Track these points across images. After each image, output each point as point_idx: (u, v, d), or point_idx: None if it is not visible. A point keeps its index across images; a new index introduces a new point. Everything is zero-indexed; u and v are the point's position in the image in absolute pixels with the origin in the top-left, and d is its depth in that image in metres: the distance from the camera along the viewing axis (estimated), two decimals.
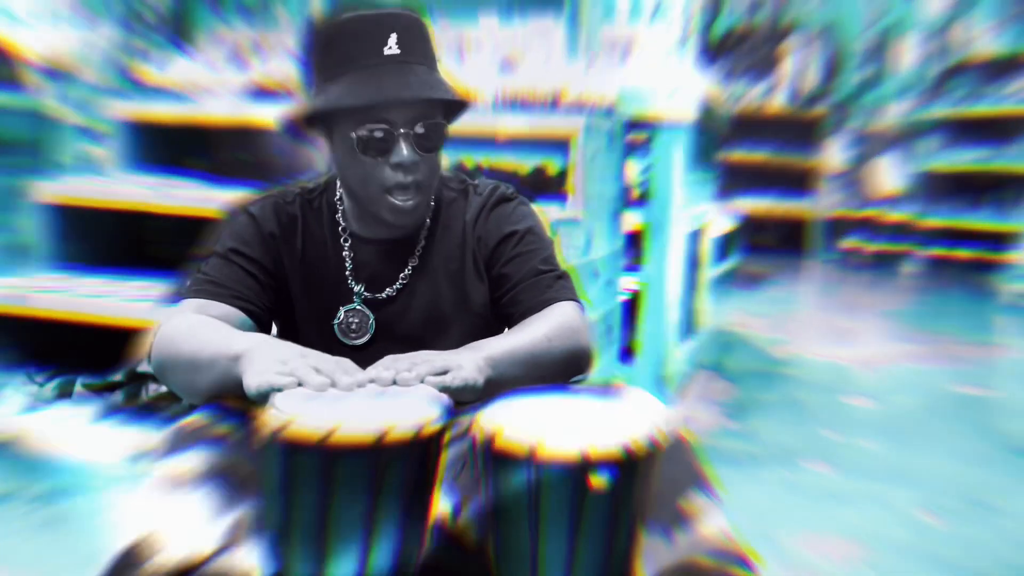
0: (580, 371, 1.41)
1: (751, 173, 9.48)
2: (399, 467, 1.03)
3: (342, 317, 1.45)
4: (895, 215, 8.36)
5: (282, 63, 2.71)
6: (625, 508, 1.07)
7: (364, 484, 1.02)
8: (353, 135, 1.32)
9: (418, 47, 1.34)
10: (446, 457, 1.36)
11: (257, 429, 1.07)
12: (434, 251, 1.48)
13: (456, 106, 1.41)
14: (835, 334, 4.93)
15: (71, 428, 2.40)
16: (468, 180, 1.54)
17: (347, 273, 1.46)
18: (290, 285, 1.46)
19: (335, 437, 0.99)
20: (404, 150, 1.32)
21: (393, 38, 1.31)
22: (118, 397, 2.44)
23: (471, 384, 1.19)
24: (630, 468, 1.05)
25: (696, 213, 3.40)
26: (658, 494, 1.20)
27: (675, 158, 2.86)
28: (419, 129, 1.33)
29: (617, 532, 1.07)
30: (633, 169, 4.06)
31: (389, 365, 1.18)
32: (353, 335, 1.46)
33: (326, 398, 1.09)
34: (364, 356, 1.26)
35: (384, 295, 1.46)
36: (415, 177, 1.34)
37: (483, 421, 1.09)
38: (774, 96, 9.19)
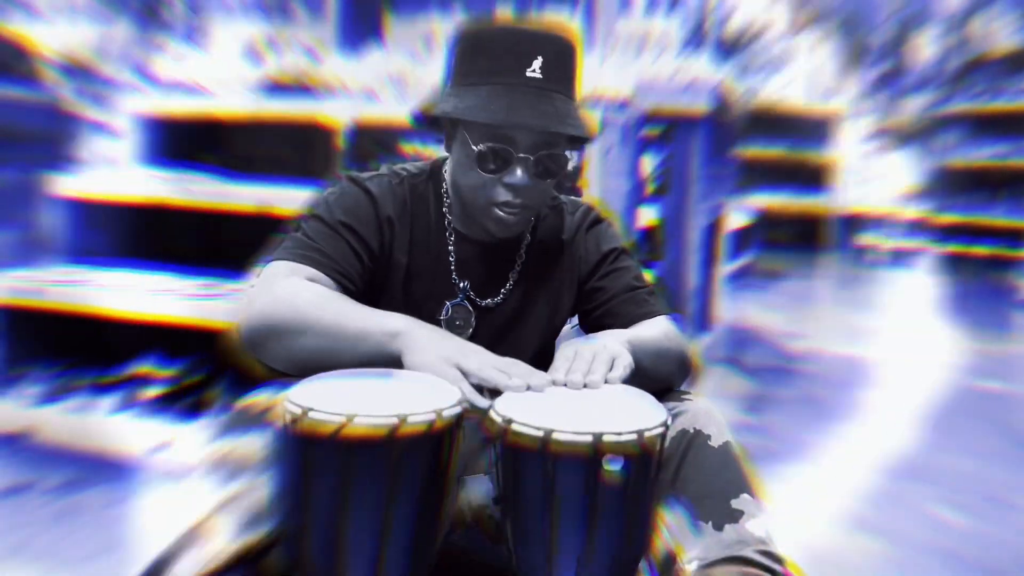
0: (686, 376, 1.49)
1: (767, 169, 9.45)
2: (416, 454, 1.05)
3: (448, 312, 1.47)
4: (912, 211, 8.32)
5: (297, 58, 2.72)
6: (638, 497, 1.09)
7: (380, 472, 1.03)
8: (475, 148, 1.33)
9: (561, 74, 1.35)
10: (477, 448, 1.39)
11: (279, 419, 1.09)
12: (533, 263, 1.52)
13: (581, 137, 1.42)
14: (852, 330, 4.94)
15: (88, 420, 2.41)
16: (559, 197, 1.58)
17: (452, 268, 1.48)
18: (393, 270, 1.46)
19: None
20: (519, 173, 1.33)
21: (539, 61, 1.31)
22: (116, 397, 2.46)
23: (632, 368, 1.25)
24: (642, 458, 1.07)
25: (711, 208, 3.40)
26: (712, 491, 1.29)
27: (690, 153, 2.86)
28: (539, 156, 1.34)
29: (630, 520, 1.10)
30: (648, 164, 4.05)
31: (577, 368, 1.21)
32: (458, 330, 1.47)
33: (337, 390, 1.11)
34: None
35: (487, 302, 1.49)
36: (523, 200, 1.36)
37: (499, 405, 1.12)
38: (790, 91, 9.15)
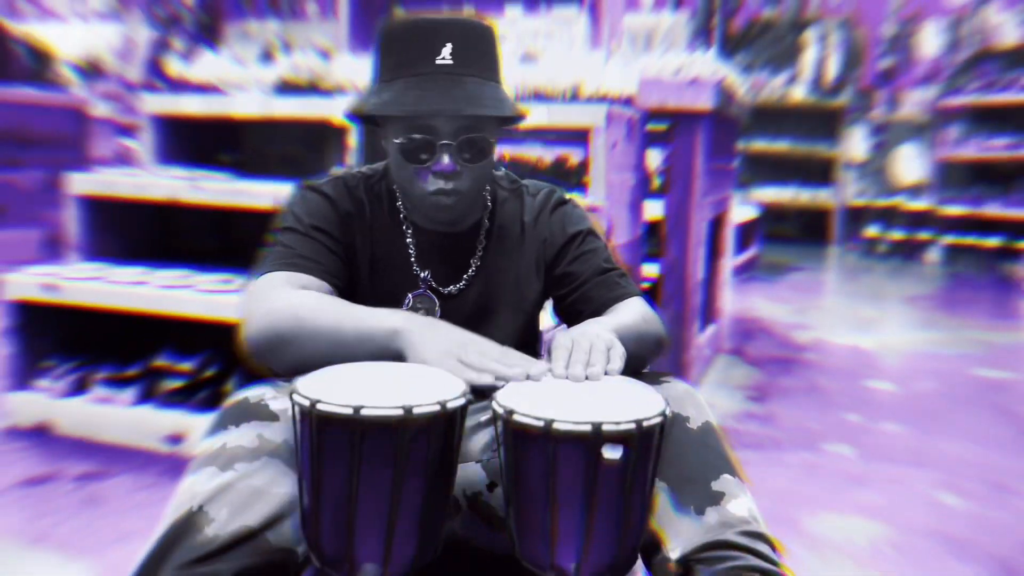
0: (660, 354, 1.50)
1: (773, 163, 9.47)
2: (423, 441, 1.08)
3: (410, 302, 1.48)
4: (917, 204, 8.32)
5: (309, 58, 2.75)
6: (636, 483, 1.11)
7: (388, 459, 1.06)
8: (396, 140, 1.36)
9: (473, 57, 1.35)
10: (484, 436, 1.44)
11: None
12: (495, 248, 1.52)
13: (512, 117, 1.42)
14: (857, 321, 4.94)
15: (108, 412, 2.45)
16: (519, 180, 1.59)
17: (412, 260, 1.49)
18: (359, 267, 1.49)
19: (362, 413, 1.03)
20: (445, 159, 1.34)
21: (448, 48, 1.32)
22: (132, 392, 2.49)
23: (625, 356, 1.25)
24: (641, 444, 1.09)
25: (716, 202, 3.42)
26: (692, 476, 1.28)
27: (695, 148, 2.88)
28: (462, 140, 1.35)
29: (629, 506, 1.11)
30: (653, 159, 4.08)
31: (577, 360, 1.21)
32: None
33: (345, 381, 1.13)
34: None
35: (449, 290, 1.50)
36: (455, 185, 1.37)
37: (501, 396, 1.13)
38: (796, 86, 9.15)
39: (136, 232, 2.84)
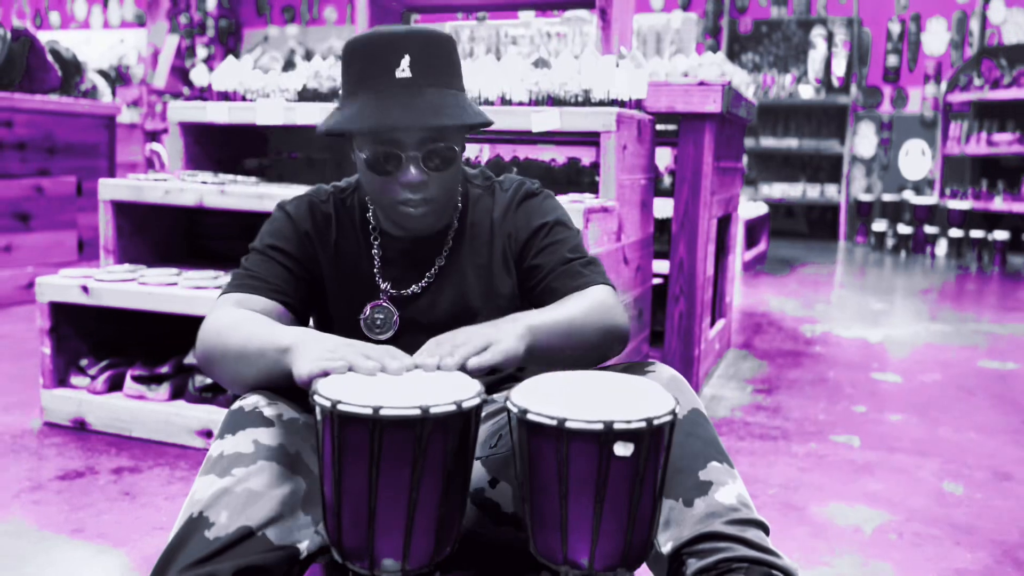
0: (613, 349, 1.47)
1: (782, 160, 9.51)
2: (439, 441, 1.11)
3: (368, 313, 1.51)
4: (924, 199, 8.35)
5: (331, 65, 2.82)
6: (647, 479, 1.14)
7: (407, 457, 1.09)
8: (363, 155, 1.38)
9: (432, 69, 1.36)
10: (482, 434, 1.47)
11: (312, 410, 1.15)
12: (462, 248, 1.53)
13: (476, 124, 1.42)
14: (865, 315, 4.98)
15: (141, 408, 2.51)
16: (493, 177, 1.59)
17: (375, 270, 1.52)
18: (324, 281, 1.52)
19: (381, 414, 1.06)
20: (411, 170, 1.36)
21: (406, 60, 1.33)
22: (164, 389, 2.55)
23: (512, 355, 1.25)
24: (652, 442, 1.12)
25: (725, 201, 3.49)
26: (679, 466, 1.29)
27: (703, 149, 2.95)
28: (426, 150, 1.36)
29: (640, 501, 1.14)
30: (663, 159, 4.15)
31: (433, 351, 1.25)
32: (378, 330, 1.51)
33: (365, 383, 1.15)
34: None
35: (409, 291, 1.51)
36: (423, 194, 1.39)
37: (514, 396, 1.17)
38: (804, 83, 9.18)
39: (165, 235, 2.90)
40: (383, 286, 1.52)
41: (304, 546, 1.26)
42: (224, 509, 1.22)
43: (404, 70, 1.33)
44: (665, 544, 1.27)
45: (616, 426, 1.08)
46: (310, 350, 1.22)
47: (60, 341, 2.62)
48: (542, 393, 1.19)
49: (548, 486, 1.14)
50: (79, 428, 2.57)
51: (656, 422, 1.11)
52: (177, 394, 2.57)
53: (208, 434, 2.43)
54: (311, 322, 1.61)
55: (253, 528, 1.22)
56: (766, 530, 1.30)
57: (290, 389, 1.29)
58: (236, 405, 1.36)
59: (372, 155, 1.37)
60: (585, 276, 1.48)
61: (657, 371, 1.40)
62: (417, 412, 1.07)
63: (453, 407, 1.10)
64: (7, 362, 3.34)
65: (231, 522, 1.21)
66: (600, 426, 1.08)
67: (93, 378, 2.61)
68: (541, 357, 1.32)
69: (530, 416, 1.12)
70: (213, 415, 2.45)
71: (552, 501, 1.14)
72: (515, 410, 1.14)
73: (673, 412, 1.14)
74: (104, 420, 2.55)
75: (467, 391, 1.14)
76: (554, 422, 1.09)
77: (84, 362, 2.66)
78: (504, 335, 1.27)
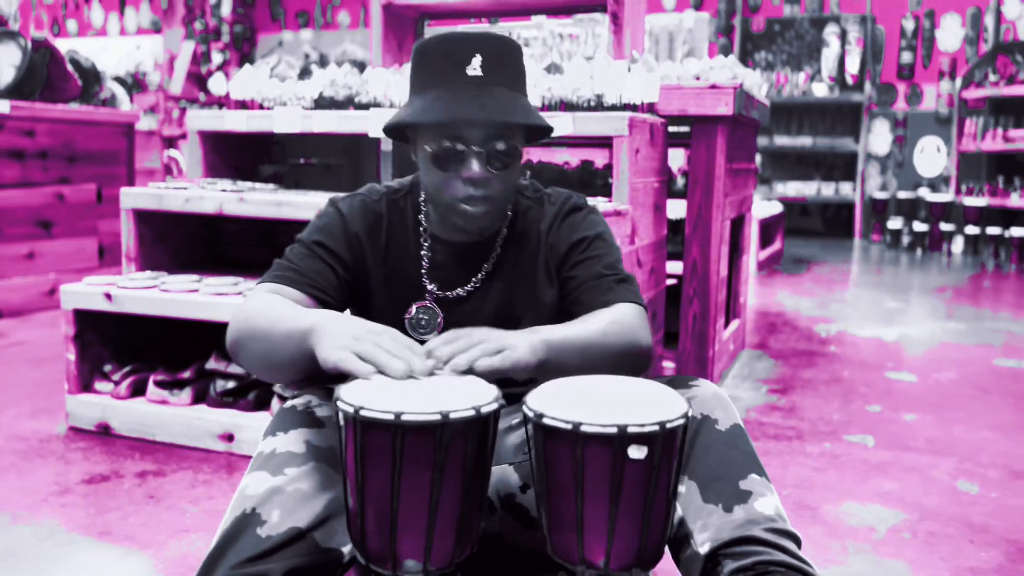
0: (635, 368, 1.45)
1: (796, 158, 9.49)
2: (459, 445, 1.14)
3: (413, 313, 1.54)
4: (941, 196, 8.32)
5: (346, 72, 2.86)
6: (661, 480, 1.16)
7: (428, 460, 1.12)
8: (428, 149, 1.41)
9: (502, 70, 1.40)
10: (515, 439, 1.50)
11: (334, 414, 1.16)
12: (508, 256, 1.56)
13: (539, 129, 1.45)
14: (880, 314, 4.98)
15: (164, 413, 2.55)
16: (543, 190, 1.62)
17: (423, 272, 1.54)
18: (370, 281, 1.54)
19: (403, 419, 1.08)
20: (475, 166, 1.38)
21: (477, 59, 1.37)
22: (187, 394, 2.58)
23: (522, 364, 1.27)
24: (665, 444, 1.14)
25: (738, 202, 3.50)
26: (720, 474, 1.32)
27: (715, 151, 2.97)
28: (491, 148, 1.39)
29: (654, 502, 1.16)
30: (676, 161, 4.16)
31: (448, 340, 1.27)
32: (422, 331, 1.54)
33: (386, 387, 1.18)
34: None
35: (455, 294, 1.54)
36: (485, 192, 1.41)
37: (531, 400, 1.19)
38: (818, 81, 9.16)
39: (186, 242, 2.95)
40: (429, 287, 1.54)
41: (347, 549, 1.29)
42: (276, 508, 1.25)
43: (475, 68, 1.37)
44: (702, 545, 1.30)
45: (630, 429, 1.11)
46: (334, 333, 1.23)
47: (84, 347, 2.67)
48: (558, 397, 1.21)
49: (564, 488, 1.16)
50: (104, 433, 2.62)
51: (669, 425, 1.13)
52: (199, 398, 2.61)
53: (229, 438, 2.47)
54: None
55: (303, 529, 1.25)
56: (799, 543, 1.33)
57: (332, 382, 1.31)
58: (288, 404, 1.40)
59: (438, 149, 1.39)
60: (614, 292, 1.50)
61: (701, 387, 1.42)
62: (438, 417, 1.10)
63: (472, 412, 1.12)
64: (32, 368, 3.40)
65: (282, 522, 1.24)
66: (614, 430, 1.10)
67: (117, 383, 2.66)
68: (555, 371, 1.33)
69: (546, 420, 1.14)
70: (235, 419, 2.49)
71: (568, 503, 1.16)
72: (531, 414, 1.17)
73: (686, 416, 1.16)
74: (128, 425, 2.59)
75: (485, 396, 1.17)
76: (569, 426, 1.12)
77: (108, 368, 2.71)
78: (519, 344, 1.28)
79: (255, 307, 1.39)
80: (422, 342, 1.49)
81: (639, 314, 1.48)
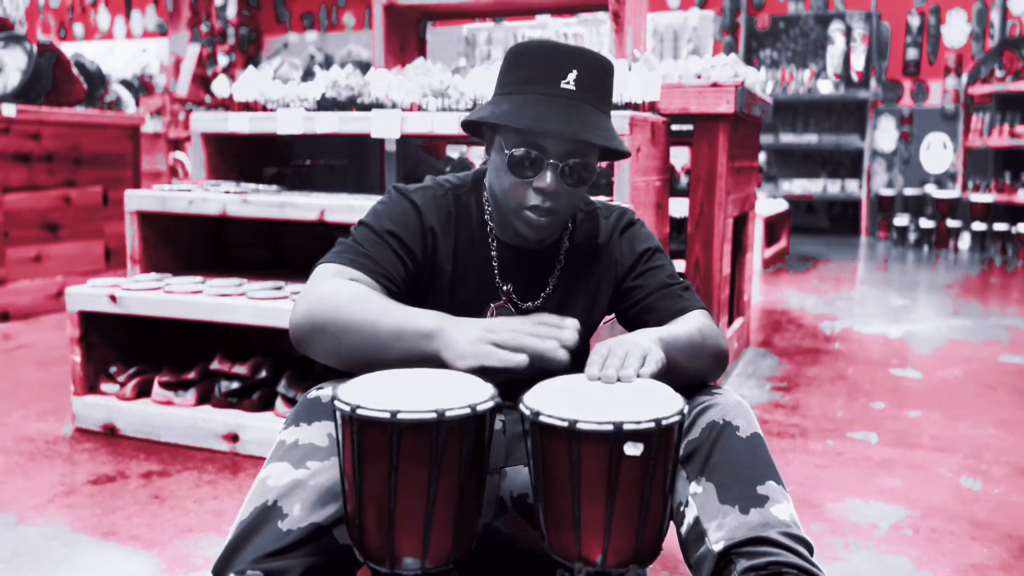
0: (722, 369, 1.51)
1: (802, 156, 9.48)
2: (455, 443, 1.13)
3: (494, 314, 1.52)
4: (947, 193, 8.29)
5: (349, 74, 2.87)
6: (657, 478, 1.17)
7: (424, 459, 1.12)
8: (507, 152, 1.40)
9: (594, 88, 1.40)
10: (517, 439, 1.49)
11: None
12: (573, 267, 1.57)
13: (614, 151, 1.45)
14: (886, 311, 4.97)
15: (170, 414, 2.57)
16: (594, 203, 1.63)
17: (495, 272, 1.53)
18: (436, 278, 1.52)
19: (399, 418, 1.09)
20: (548, 178, 1.38)
21: (573, 74, 1.37)
22: (191, 395, 2.60)
23: (665, 364, 1.28)
24: (661, 442, 1.15)
25: (740, 200, 3.50)
26: (739, 477, 1.33)
27: (717, 149, 2.97)
28: (568, 163, 1.39)
29: (650, 499, 1.17)
30: (681, 158, 4.17)
31: (602, 363, 1.26)
32: None
33: (383, 386, 1.18)
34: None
35: (529, 304, 1.54)
36: (552, 204, 1.41)
37: (527, 399, 1.20)
38: (823, 78, 9.15)
39: (190, 244, 2.96)
40: (505, 288, 1.53)
41: None
42: (298, 502, 1.25)
43: (569, 82, 1.37)
44: (717, 543, 1.30)
45: (626, 427, 1.11)
46: (462, 334, 1.25)
47: (90, 349, 2.69)
48: (554, 395, 1.22)
49: (561, 485, 1.17)
50: (109, 433, 2.63)
51: (665, 422, 1.13)
52: (203, 399, 2.63)
53: (234, 438, 2.48)
54: None
55: (323, 525, 1.25)
56: (811, 551, 1.34)
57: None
58: (312, 395, 1.38)
59: (518, 155, 1.39)
60: (685, 300, 1.53)
61: (724, 395, 1.43)
62: (433, 416, 1.11)
63: (468, 410, 1.13)
64: (39, 370, 3.42)
65: (304, 517, 1.25)
66: (610, 427, 1.11)
67: (122, 385, 2.68)
68: (670, 371, 1.33)
69: (542, 418, 1.15)
70: (239, 419, 2.50)
71: (565, 500, 1.17)
72: (528, 412, 1.17)
73: (681, 412, 1.17)
74: (133, 425, 2.61)
75: (481, 394, 1.18)
76: (565, 423, 1.12)
77: (113, 369, 2.72)
78: (651, 345, 1.30)
79: (344, 294, 1.33)
80: None
81: (711, 318, 1.53)
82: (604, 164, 1.50)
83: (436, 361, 1.27)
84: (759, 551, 1.28)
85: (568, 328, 1.26)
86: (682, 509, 1.34)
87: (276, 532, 1.23)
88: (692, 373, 1.42)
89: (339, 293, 1.33)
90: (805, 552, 1.30)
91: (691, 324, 1.45)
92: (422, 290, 1.52)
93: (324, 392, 1.38)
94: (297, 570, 1.22)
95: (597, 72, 1.40)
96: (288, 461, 1.29)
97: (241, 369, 2.57)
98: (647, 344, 1.30)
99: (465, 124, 1.49)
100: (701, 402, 1.39)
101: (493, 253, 1.53)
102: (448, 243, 1.51)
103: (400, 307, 1.33)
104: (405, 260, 1.46)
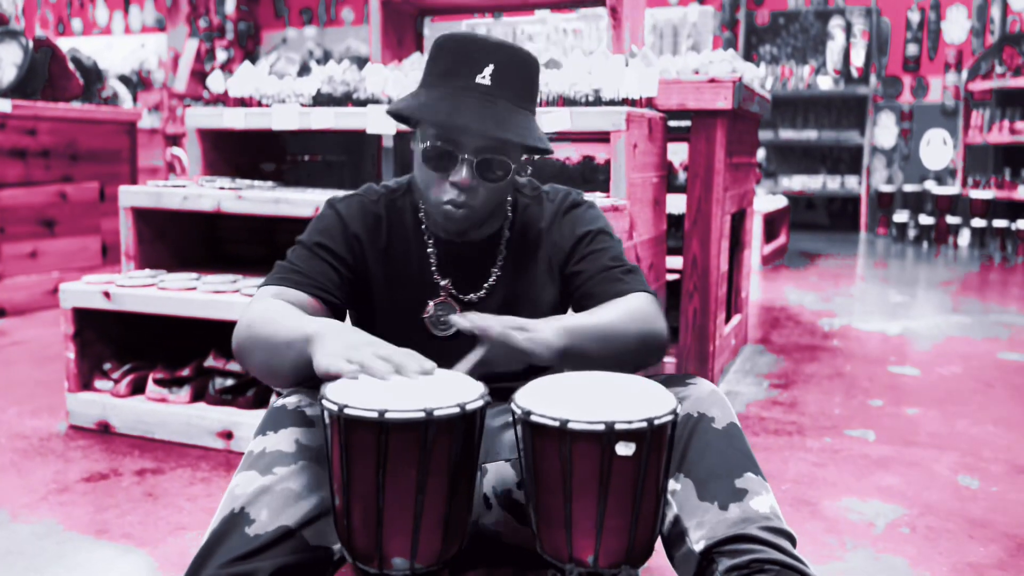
0: (653, 355, 1.47)
1: (802, 152, 9.46)
2: (444, 442, 1.13)
3: (431, 311, 1.53)
4: (947, 189, 8.28)
5: (345, 69, 2.85)
6: (649, 478, 1.15)
7: (413, 458, 1.11)
8: (422, 145, 1.42)
9: (511, 83, 1.39)
10: (511, 436, 1.49)
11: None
12: (515, 255, 1.56)
13: (539, 148, 1.45)
14: (885, 308, 4.96)
15: (163, 411, 2.56)
16: (541, 187, 1.62)
17: (432, 269, 1.54)
18: (372, 281, 1.54)
19: (386, 417, 1.08)
20: (463, 173, 1.39)
21: (489, 68, 1.37)
22: (186, 392, 2.59)
23: (546, 345, 1.29)
24: (653, 442, 1.13)
25: (738, 196, 3.49)
26: (718, 472, 1.32)
27: (714, 146, 2.95)
28: (483, 158, 1.39)
29: (643, 500, 1.16)
30: (680, 154, 4.15)
31: (475, 320, 1.28)
32: (442, 328, 1.53)
33: (371, 386, 1.17)
34: (451, 349, 1.35)
35: (471, 297, 1.54)
36: (468, 199, 1.41)
37: (519, 398, 1.19)
38: (823, 74, 9.13)
39: (185, 240, 2.95)
40: (443, 283, 1.54)
41: (338, 547, 1.29)
42: (265, 507, 1.25)
43: (485, 77, 1.37)
44: (697, 543, 1.30)
45: (617, 426, 1.10)
46: (331, 342, 1.23)
47: (84, 346, 2.68)
48: (546, 394, 1.21)
49: (553, 485, 1.16)
50: (103, 431, 2.63)
51: (657, 422, 1.12)
52: (198, 396, 2.62)
53: (228, 435, 2.48)
54: (347, 319, 1.62)
55: (292, 528, 1.25)
56: (793, 542, 1.33)
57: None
58: (279, 403, 1.39)
59: (431, 148, 1.40)
60: (625, 283, 1.50)
61: (698, 385, 1.42)
62: (421, 415, 1.09)
63: (457, 410, 1.12)
64: (35, 367, 3.41)
65: (271, 521, 1.24)
66: (602, 427, 1.10)
67: (116, 382, 2.67)
68: (577, 359, 1.34)
69: (533, 417, 1.14)
70: (233, 417, 2.49)
71: (557, 500, 1.16)
72: (519, 411, 1.16)
73: (674, 412, 1.16)
74: (128, 423, 2.60)
75: (471, 393, 1.17)
76: (557, 423, 1.11)
77: (107, 366, 2.71)
78: (543, 328, 1.31)
79: (259, 313, 1.38)
80: (442, 339, 1.51)
81: (652, 302, 1.49)
82: (526, 157, 1.48)
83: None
84: (740, 549, 1.27)
85: (415, 363, 1.21)
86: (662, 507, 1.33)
87: (244, 537, 1.23)
88: (611, 361, 1.37)
89: (251, 314, 1.38)
90: (787, 544, 1.29)
91: (616, 310, 1.43)
92: (362, 295, 1.54)
93: (289, 400, 1.38)
94: (266, 571, 1.21)
95: (516, 67, 1.40)
96: (255, 469, 1.29)
97: (235, 366, 2.56)
98: (536, 324, 1.30)
99: (391, 114, 1.48)
100: (674, 394, 1.35)
101: (429, 250, 1.54)
102: (378, 247, 1.53)
103: (297, 318, 1.34)
104: (337, 268, 1.49)
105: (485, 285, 1.55)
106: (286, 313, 1.37)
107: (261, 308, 1.39)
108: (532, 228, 1.57)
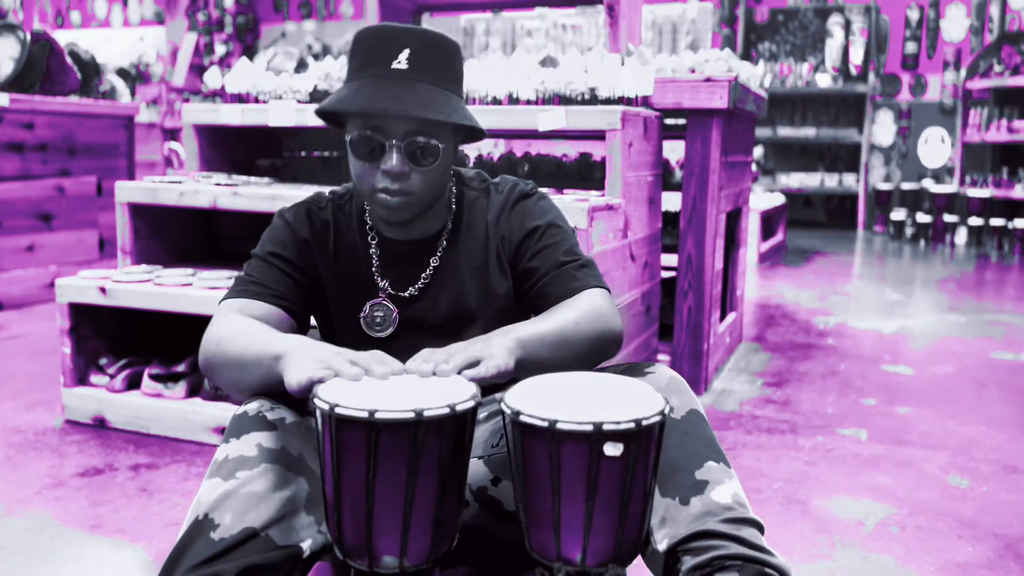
0: (608, 353, 1.47)
1: (799, 149, 9.47)
2: (434, 442, 1.14)
3: (367, 311, 1.54)
4: (945, 187, 8.29)
5: (341, 65, 2.86)
6: (637, 478, 1.16)
7: (403, 458, 1.12)
8: (348, 137, 1.42)
9: (430, 66, 1.39)
10: (484, 433, 1.50)
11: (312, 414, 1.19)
12: (457, 249, 1.55)
13: (475, 129, 1.46)
14: (880, 306, 4.97)
15: (158, 406, 2.57)
16: (489, 179, 1.61)
17: (373, 270, 1.55)
18: (323, 285, 1.56)
19: (377, 417, 1.09)
20: (393, 159, 1.38)
21: (405, 54, 1.37)
22: (181, 387, 2.60)
23: (503, 370, 1.28)
24: (641, 442, 1.14)
25: (734, 195, 3.49)
26: (676, 465, 1.31)
27: (710, 144, 2.96)
28: (411, 143, 1.39)
29: (630, 499, 1.16)
30: (676, 152, 4.15)
31: (428, 357, 1.27)
32: (378, 328, 1.54)
33: (365, 387, 1.18)
34: (391, 348, 1.35)
35: (407, 293, 1.54)
36: (402, 186, 1.41)
37: (508, 398, 1.19)
38: (822, 72, 9.12)
39: (181, 236, 2.96)
40: (382, 284, 1.54)
41: (307, 545, 1.30)
42: (228, 511, 1.26)
43: (401, 62, 1.37)
44: (661, 542, 1.29)
45: (605, 427, 1.11)
46: (300, 359, 1.24)
47: (80, 341, 2.69)
48: (535, 394, 1.22)
49: (541, 485, 1.17)
50: (99, 426, 2.64)
51: (645, 423, 1.13)
52: (193, 392, 2.63)
53: (223, 431, 2.48)
54: (311, 324, 1.64)
55: (256, 529, 1.26)
56: (761, 529, 1.32)
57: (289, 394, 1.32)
58: (240, 410, 1.39)
59: (357, 138, 1.40)
60: (578, 280, 1.49)
61: (656, 373, 1.41)
62: (411, 415, 1.11)
63: (447, 410, 1.13)
64: (31, 361, 3.42)
65: (235, 523, 1.25)
66: (590, 427, 1.11)
67: (112, 377, 2.68)
68: (533, 368, 1.34)
69: (523, 417, 1.15)
70: (228, 412, 2.49)
71: (545, 499, 1.17)
72: (508, 412, 1.17)
73: (662, 413, 1.17)
74: (123, 418, 2.61)
75: (462, 394, 1.18)
76: (545, 423, 1.12)
77: (103, 361, 2.72)
78: (495, 349, 1.29)
79: (225, 330, 1.39)
80: (378, 340, 1.52)
81: (606, 298, 1.49)
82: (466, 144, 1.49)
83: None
84: (702, 546, 1.26)
85: (384, 367, 1.23)
86: None
87: (208, 542, 1.23)
88: (566, 364, 1.38)
89: (220, 330, 1.39)
90: (751, 534, 1.28)
91: (570, 313, 1.42)
92: (317, 300, 1.56)
93: (250, 406, 1.39)
94: (231, 572, 1.22)
95: (432, 50, 1.41)
96: (219, 476, 1.30)
97: None
98: (486, 349, 1.28)
99: (319, 115, 1.48)
100: None
101: (372, 251, 1.55)
102: (327, 251, 1.55)
103: (264, 335, 1.35)
104: (292, 275, 1.51)
105: (422, 277, 1.54)
106: (255, 329, 1.38)
107: (228, 324, 1.40)
108: (478, 221, 1.56)
